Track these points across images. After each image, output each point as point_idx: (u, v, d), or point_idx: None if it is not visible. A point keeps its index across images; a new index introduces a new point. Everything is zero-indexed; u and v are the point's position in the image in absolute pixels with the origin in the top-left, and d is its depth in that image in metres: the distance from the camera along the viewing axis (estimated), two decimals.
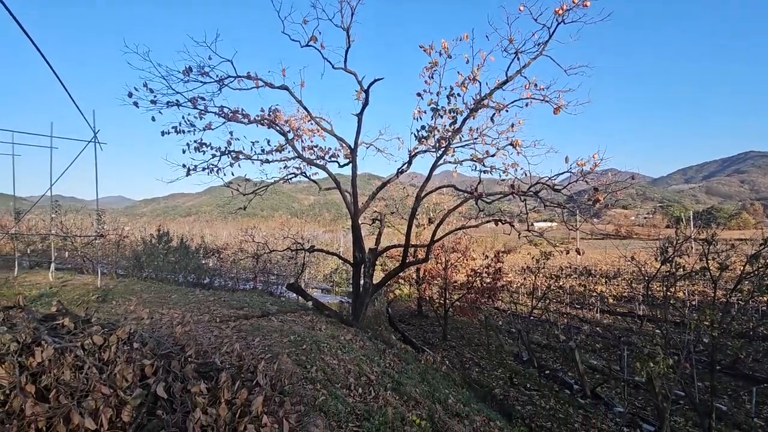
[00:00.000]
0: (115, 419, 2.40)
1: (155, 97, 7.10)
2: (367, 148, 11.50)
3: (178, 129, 7.89)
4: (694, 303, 17.15)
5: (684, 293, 18.12)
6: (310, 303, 8.80)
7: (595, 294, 21.50)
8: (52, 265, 12.62)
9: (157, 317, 4.80)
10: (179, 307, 7.85)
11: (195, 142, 8.27)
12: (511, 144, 8.09)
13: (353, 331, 7.46)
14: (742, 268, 6.83)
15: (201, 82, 7.33)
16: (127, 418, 2.41)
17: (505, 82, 7.17)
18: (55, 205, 15.81)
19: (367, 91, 8.47)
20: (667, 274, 7.77)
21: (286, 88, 8.33)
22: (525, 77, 7.14)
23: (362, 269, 9.84)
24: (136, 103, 6.90)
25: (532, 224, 8.43)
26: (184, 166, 8.38)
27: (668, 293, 8.07)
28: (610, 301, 21.22)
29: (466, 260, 17.19)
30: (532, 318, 16.50)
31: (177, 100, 7.39)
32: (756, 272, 6.62)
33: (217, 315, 6.67)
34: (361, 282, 9.86)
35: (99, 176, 10.77)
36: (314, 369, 4.25)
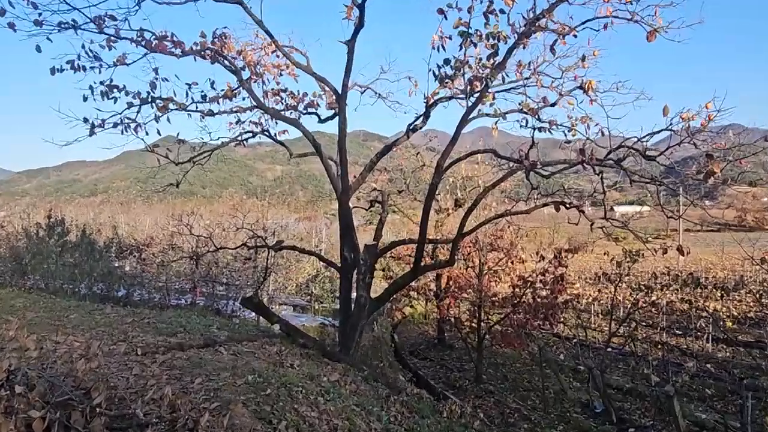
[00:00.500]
0: None
1: (41, 15, 7.06)
2: (363, 92, 11.50)
3: (76, 64, 7.86)
4: None
5: None
6: (276, 327, 8.91)
7: (706, 315, 21.55)
8: None
9: (49, 347, 4.88)
10: (82, 332, 7.96)
11: (102, 83, 8.26)
12: (580, 87, 8.04)
13: (341, 369, 7.57)
14: None
15: None
16: None
17: None
18: None
19: (361, 7, 8.40)
20: None
21: (238, 2, 8.28)
22: None
23: (354, 277, 9.93)
24: (11, 24, 6.87)
25: (612, 209, 8.45)
26: (85, 120, 8.39)
27: None
28: (729, 325, 21.27)
29: (512, 263, 17.25)
30: (610, 350, 16.63)
31: (74, 20, 7.36)
32: None
33: (137, 344, 6.76)
34: (353, 296, 9.96)
35: None
36: (283, 425, 4.33)
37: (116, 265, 17.72)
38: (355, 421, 5.24)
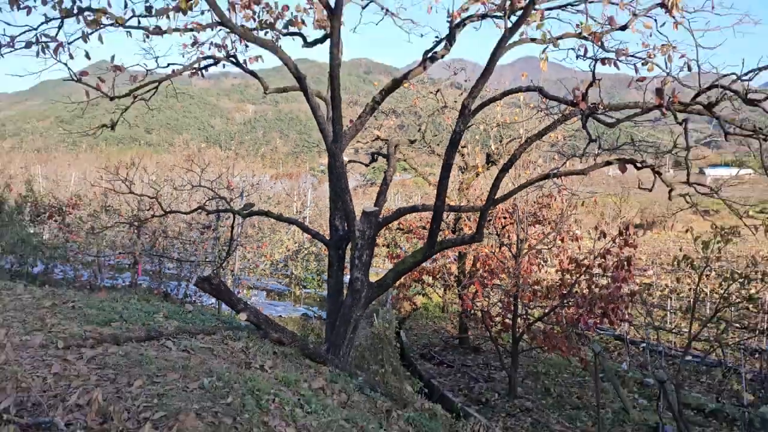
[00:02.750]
0: None
1: None
2: (365, 7, 11.41)
3: None
4: None
5: None
6: (242, 316, 9.01)
7: None
8: None
9: None
10: None
11: None
12: (661, 5, 7.96)
13: (328, 374, 7.69)
14: None
15: None
16: None
17: None
18: None
19: None
20: None
21: None
22: None
23: (349, 253, 10.00)
24: None
25: (701, 171, 8.45)
26: None
27: None
28: None
29: (562, 241, 17.28)
30: (690, 359, 16.78)
31: None
32: None
33: (58, 335, 6.88)
34: (346, 278, 10.05)
35: None
36: None
37: (32, 231, 17.85)
38: None
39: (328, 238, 10.42)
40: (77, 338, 6.79)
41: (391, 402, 8.05)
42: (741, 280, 13.49)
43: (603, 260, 15.22)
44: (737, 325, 21.17)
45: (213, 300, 13.91)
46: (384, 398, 8.11)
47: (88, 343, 6.60)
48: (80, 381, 5.02)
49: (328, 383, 7.25)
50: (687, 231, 12.75)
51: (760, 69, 7.44)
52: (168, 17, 9.81)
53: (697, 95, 7.69)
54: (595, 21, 8.63)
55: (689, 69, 8.18)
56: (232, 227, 14.72)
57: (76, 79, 9.78)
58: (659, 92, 7.72)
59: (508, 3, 8.42)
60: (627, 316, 18.35)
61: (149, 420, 4.09)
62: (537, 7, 8.39)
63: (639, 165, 8.49)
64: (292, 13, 10.79)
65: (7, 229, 16.49)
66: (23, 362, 5.48)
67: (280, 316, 19.18)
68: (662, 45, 8.29)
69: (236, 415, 4.95)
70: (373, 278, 10.15)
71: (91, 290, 14.21)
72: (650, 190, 8.80)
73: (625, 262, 15.16)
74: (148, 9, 9.51)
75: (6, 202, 18.44)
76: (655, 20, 8.30)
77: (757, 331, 21.48)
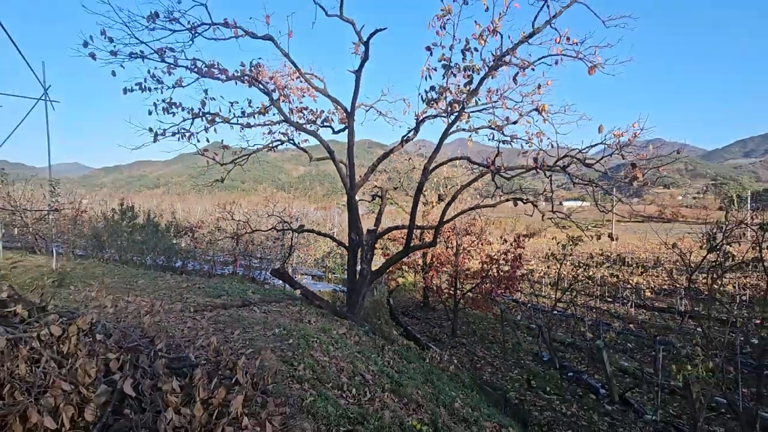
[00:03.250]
0: (78, 418, 2.51)
1: (115, 47, 7.04)
2: (367, 111, 11.45)
3: (143, 86, 7.84)
4: (744, 298, 17.32)
5: (734, 287, 18.28)
6: (298, 292, 8.95)
7: (630, 286, 21.71)
8: (0, 244, 12.80)
9: (122, 305, 4.92)
10: (147, 294, 8.03)
11: (163, 101, 8.25)
12: (536, 109, 8.03)
13: (348, 325, 7.63)
14: None
15: (169, 30, 7.25)
16: (90, 417, 2.52)
17: (531, 35, 7.06)
18: (1, 174, 15.89)
19: (366, 44, 8.37)
20: (714, 264, 7.84)
21: (270, 39, 8.23)
22: (555, 29, 7.02)
23: (359, 254, 9.97)
24: (92, 55, 6.85)
25: (560, 203, 8.48)
26: (150, 130, 8.38)
27: (714, 286, 8.17)
28: (648, 294, 21.45)
29: (482, 245, 17.32)
30: (555, 313, 16.75)
31: (141, 51, 7.32)
32: None
33: (190, 304, 6.82)
34: (358, 268, 10.01)
35: (51, 140, 10.84)
36: (302, 366, 4.38)
37: (174, 242, 17.69)
38: (356, 365, 5.30)
39: (347, 245, 10.37)
40: (201, 306, 6.73)
41: (384, 340, 7.98)
42: (584, 267, 13.50)
43: (505, 256, 15.27)
44: (582, 293, 21.18)
45: (280, 282, 13.73)
46: (380, 338, 8.04)
47: (208, 308, 6.54)
48: (203, 332, 4.96)
49: (348, 330, 7.19)
50: (553, 238, 12.77)
51: (591, 146, 7.52)
52: (254, 117, 9.84)
53: (557, 161, 7.73)
54: (498, 119, 8.70)
55: (552, 146, 8.21)
56: (291, 238, 14.64)
57: (201, 153, 9.80)
58: (535, 160, 7.77)
59: (449, 109, 8.45)
60: (519, 289, 18.35)
61: (244, 354, 4.03)
62: (465, 111, 8.44)
63: (524, 201, 8.51)
64: (325, 114, 10.81)
65: (160, 241, 16.35)
66: (170, 320, 5.42)
67: (320, 290, 19.01)
68: (537, 132, 8.33)
69: (294, 351, 4.90)
70: (373, 267, 10.12)
71: (209, 277, 14.08)
72: (531, 216, 8.81)
73: (518, 257, 15.20)
74: (243, 113, 9.54)
75: (159, 224, 18.29)
76: (533, 118, 8.35)
77: (594, 296, 21.51)
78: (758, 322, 7.81)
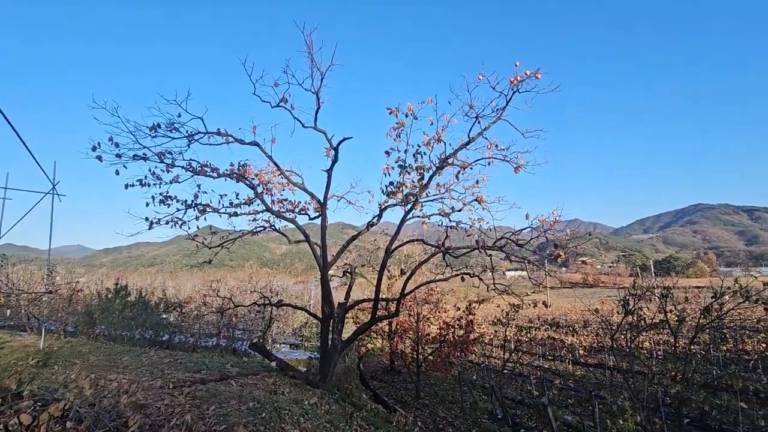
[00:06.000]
0: None
1: (120, 151, 7.03)
2: (338, 200, 11.60)
3: (143, 182, 7.75)
4: (659, 354, 17.42)
5: (650, 343, 18.44)
6: (273, 364, 8.35)
7: (565, 345, 21.53)
8: None
9: (102, 383, 4.42)
10: (130, 371, 7.28)
11: (160, 195, 8.12)
12: (476, 200, 8.38)
13: (319, 394, 7.07)
14: (698, 318, 7.09)
15: (170, 137, 7.35)
16: None
17: (467, 143, 7.59)
18: (1, 259, 14.78)
19: (336, 149, 8.72)
20: (631, 325, 7.94)
21: (256, 144, 8.46)
22: (486, 138, 7.60)
23: (331, 324, 9.55)
24: (99, 157, 6.79)
25: (503, 273, 8.57)
26: (146, 219, 8.15)
27: (632, 344, 8.20)
28: (581, 352, 21.25)
29: (439, 312, 17.02)
30: (505, 371, 16.25)
31: (144, 154, 7.33)
32: (710, 324, 6.88)
33: (170, 380, 6.20)
34: (330, 338, 9.52)
35: (56, 226, 10.35)
36: None
37: (163, 317, 16.50)
38: None
39: (320, 317, 9.95)
40: (180, 381, 6.13)
41: (353, 407, 7.40)
42: (526, 329, 13.37)
43: (459, 321, 15.01)
44: (526, 352, 20.78)
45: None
46: (349, 406, 7.45)
47: (186, 383, 5.95)
48: (179, 408, 4.47)
49: (319, 399, 6.64)
50: (498, 306, 12.73)
51: (521, 229, 7.83)
52: (240, 207, 9.76)
53: (495, 242, 7.94)
54: (446, 206, 8.99)
55: (491, 229, 8.46)
56: (271, 312, 13.96)
57: (191, 238, 9.52)
58: (477, 241, 7.96)
59: (405, 199, 8.70)
60: (473, 351, 17.80)
61: (217, 431, 3.62)
62: (419, 201, 8.71)
63: (471, 275, 8.57)
64: (303, 204, 10.87)
65: (150, 317, 15.23)
66: (148, 398, 4.87)
67: (297, 358, 17.87)
68: (478, 218, 8.61)
69: (266, 424, 4.45)
70: (344, 336, 9.67)
71: (193, 350, 13.05)
72: (478, 287, 8.84)
73: (470, 322, 14.96)
74: (230, 203, 9.47)
75: (150, 301, 17.15)
76: (474, 206, 8.65)
77: (537, 355, 21.12)
78: (672, 375, 7.81)
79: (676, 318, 7.40)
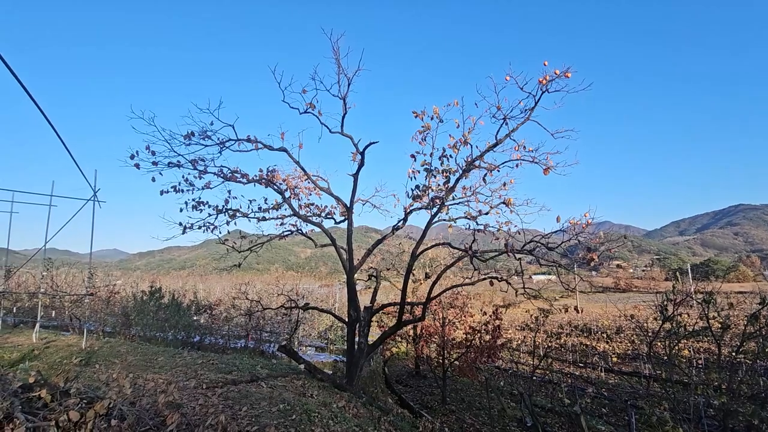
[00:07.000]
0: None
1: (156, 158, 7.31)
2: (364, 204, 11.66)
3: (177, 188, 8.04)
4: (700, 362, 16.56)
5: (689, 351, 17.58)
6: (301, 366, 8.45)
7: (597, 352, 20.81)
8: (37, 325, 12.22)
9: (140, 383, 4.59)
10: (165, 371, 7.53)
11: (193, 200, 8.41)
12: (503, 202, 8.23)
13: (347, 397, 7.10)
14: (744, 326, 6.70)
15: (203, 144, 7.60)
16: None
17: (495, 145, 7.48)
18: (47, 263, 15.64)
19: (362, 154, 8.78)
20: (670, 332, 7.59)
21: (284, 150, 8.62)
22: (514, 140, 7.47)
23: (357, 328, 9.59)
24: (137, 165, 7.10)
25: (530, 277, 8.37)
26: (180, 224, 8.43)
27: (671, 352, 7.83)
28: (614, 359, 20.48)
29: (464, 317, 16.78)
30: (534, 378, 15.83)
31: (178, 161, 7.61)
32: (758, 332, 6.50)
33: (204, 380, 6.37)
34: (356, 341, 9.56)
35: (95, 231, 10.83)
36: None
37: (194, 318, 16.99)
38: None
39: (346, 320, 10.01)
40: (213, 382, 6.29)
41: (380, 411, 7.39)
42: (556, 335, 13.02)
43: (486, 326, 14.77)
44: (557, 359, 20.21)
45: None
46: (376, 410, 7.44)
47: (219, 384, 6.10)
48: (213, 408, 4.58)
49: (347, 403, 6.67)
50: (527, 311, 12.43)
51: (552, 232, 7.63)
52: (269, 212, 9.96)
53: (524, 246, 7.78)
54: (473, 210, 8.87)
55: (520, 232, 8.30)
56: (298, 315, 14.15)
57: (222, 242, 9.78)
58: (506, 245, 7.82)
59: (431, 203, 8.66)
60: (500, 356, 17.45)
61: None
62: (445, 205, 8.64)
63: (499, 279, 8.42)
64: (329, 208, 10.99)
65: (181, 318, 15.72)
66: (183, 397, 5.02)
67: (322, 361, 18.04)
68: (506, 221, 8.46)
69: (296, 426, 4.50)
70: (370, 340, 9.69)
71: (223, 351, 13.36)
72: (506, 291, 8.67)
73: (497, 327, 14.70)
74: (259, 208, 9.68)
75: (182, 303, 17.71)
76: (501, 209, 8.50)
77: (567, 362, 20.49)
78: (716, 385, 7.39)
79: (720, 325, 7.03)
